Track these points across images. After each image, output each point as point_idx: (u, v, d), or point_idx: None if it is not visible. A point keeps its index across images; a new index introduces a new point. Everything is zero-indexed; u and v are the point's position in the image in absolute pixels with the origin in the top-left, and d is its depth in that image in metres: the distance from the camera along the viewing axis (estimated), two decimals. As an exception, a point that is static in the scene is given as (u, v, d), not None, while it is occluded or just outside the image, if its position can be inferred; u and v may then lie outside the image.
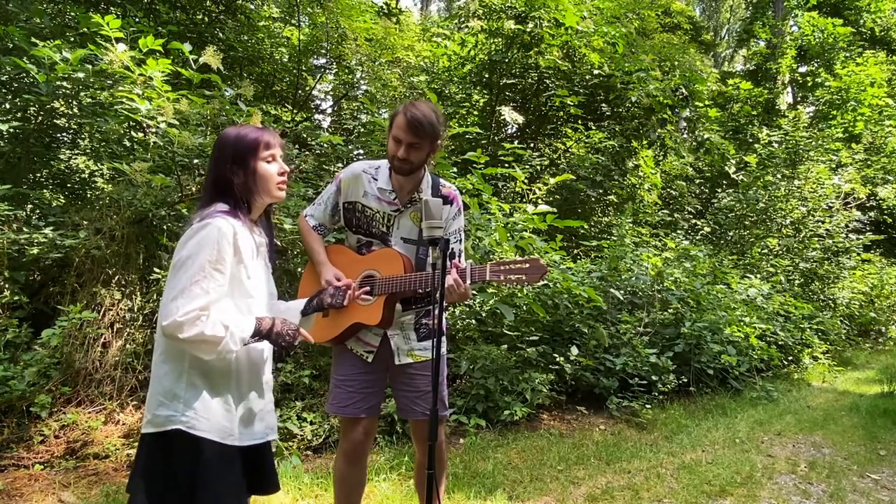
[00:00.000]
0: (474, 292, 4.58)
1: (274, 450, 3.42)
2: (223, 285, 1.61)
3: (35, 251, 3.64)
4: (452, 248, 2.29)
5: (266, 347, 1.79)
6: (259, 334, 1.67)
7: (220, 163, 1.72)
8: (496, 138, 8.23)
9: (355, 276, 2.25)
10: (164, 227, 4.11)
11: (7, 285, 3.62)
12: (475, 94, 8.70)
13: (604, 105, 8.42)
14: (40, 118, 4.66)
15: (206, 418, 1.61)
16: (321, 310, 1.96)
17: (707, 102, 10.69)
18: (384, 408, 3.74)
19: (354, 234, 2.32)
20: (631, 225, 7.78)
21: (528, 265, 2.03)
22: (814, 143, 10.42)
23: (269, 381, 1.82)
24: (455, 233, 2.32)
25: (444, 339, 2.39)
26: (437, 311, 1.89)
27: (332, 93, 8.38)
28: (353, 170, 2.30)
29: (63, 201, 4.92)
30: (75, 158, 5.41)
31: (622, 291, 5.94)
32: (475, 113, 8.73)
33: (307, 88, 7.76)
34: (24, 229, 3.75)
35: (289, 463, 3.40)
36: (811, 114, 14.93)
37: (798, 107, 14.09)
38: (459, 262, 2.25)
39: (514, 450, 3.98)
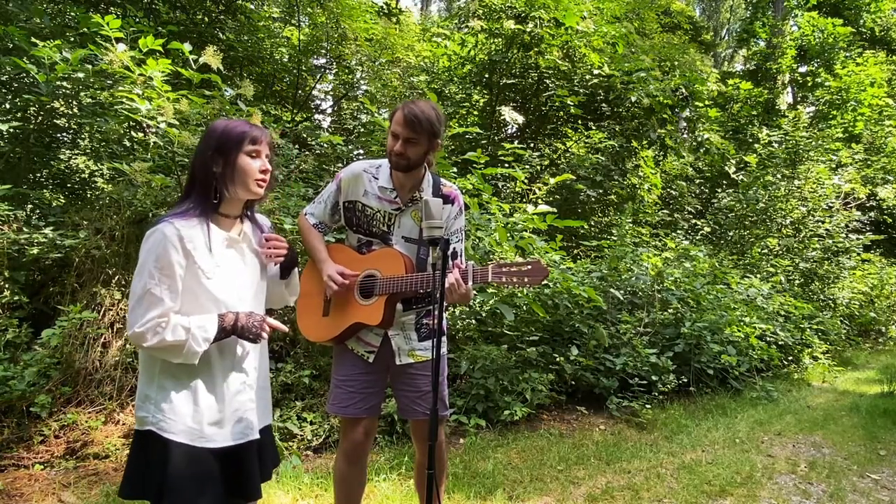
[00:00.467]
0: (474, 292, 4.58)
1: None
2: (176, 289, 1.62)
3: (35, 251, 3.64)
4: (454, 248, 2.29)
5: (243, 345, 1.77)
6: (224, 331, 1.67)
7: (204, 151, 1.71)
8: (496, 138, 8.23)
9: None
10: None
11: (7, 285, 3.62)
12: (475, 94, 8.71)
13: (604, 105, 8.42)
14: (40, 118, 4.66)
15: (173, 420, 1.62)
16: (293, 265, 1.95)
17: (707, 102, 10.70)
18: (384, 408, 3.74)
19: (355, 234, 2.32)
20: (631, 225, 7.78)
21: (529, 267, 2.03)
22: (814, 143, 10.42)
23: (250, 380, 1.79)
24: (456, 232, 2.32)
25: (444, 338, 2.39)
26: (437, 312, 1.89)
27: (332, 93, 8.39)
28: (353, 169, 2.30)
29: (63, 201, 4.92)
30: (75, 158, 5.41)
31: (622, 291, 5.93)
32: (475, 113, 8.73)
33: (307, 88, 7.77)
34: (24, 229, 3.75)
35: (289, 463, 3.40)
36: (811, 114, 14.93)
37: (798, 107, 14.09)
38: (461, 262, 2.24)
39: (514, 450, 3.98)
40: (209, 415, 1.67)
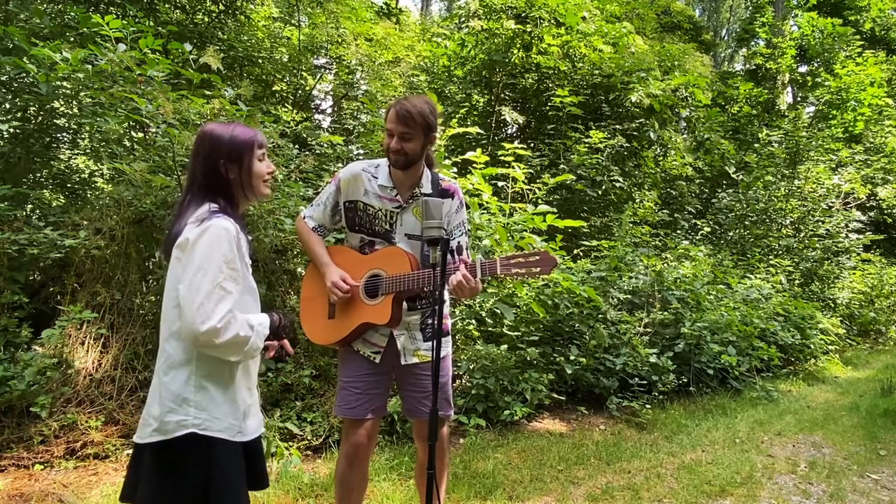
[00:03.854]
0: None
1: (274, 450, 3.44)
2: (240, 283, 1.63)
3: (35, 251, 3.63)
4: (458, 242, 2.29)
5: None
6: (273, 331, 1.72)
7: (214, 159, 1.70)
8: (496, 138, 8.23)
9: (360, 276, 2.25)
10: (164, 227, 4.11)
11: (7, 285, 3.61)
12: (475, 94, 8.71)
13: (604, 105, 8.41)
14: (40, 118, 4.66)
15: (218, 418, 1.63)
16: (277, 338, 1.88)
17: (707, 102, 10.71)
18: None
19: (356, 234, 2.31)
20: (631, 225, 7.77)
21: (537, 257, 2.04)
22: (814, 142, 10.42)
23: (255, 377, 1.85)
24: (459, 226, 2.32)
25: (448, 339, 2.39)
26: (438, 312, 1.89)
27: (332, 93, 8.39)
28: (352, 169, 2.30)
29: (63, 201, 4.92)
30: (75, 158, 5.41)
31: (620, 291, 5.93)
32: (475, 113, 8.73)
33: (307, 88, 7.77)
34: (24, 229, 3.74)
35: (289, 463, 3.39)
36: (811, 114, 14.93)
37: (798, 107, 14.08)
38: (466, 256, 2.23)
39: (514, 450, 3.98)
40: (244, 410, 1.71)
